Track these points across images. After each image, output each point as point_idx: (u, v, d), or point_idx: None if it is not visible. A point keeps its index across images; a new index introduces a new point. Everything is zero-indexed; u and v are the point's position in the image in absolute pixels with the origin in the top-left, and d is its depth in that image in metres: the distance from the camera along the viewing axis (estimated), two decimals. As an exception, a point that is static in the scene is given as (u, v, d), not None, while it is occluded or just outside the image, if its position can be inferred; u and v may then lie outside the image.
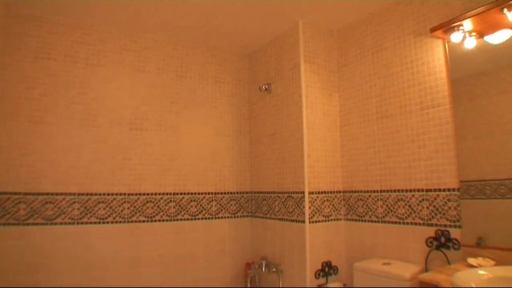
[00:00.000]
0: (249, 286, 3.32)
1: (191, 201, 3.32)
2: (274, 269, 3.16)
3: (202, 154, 3.42)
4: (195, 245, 3.30)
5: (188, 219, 3.29)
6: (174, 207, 3.24)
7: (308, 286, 2.84)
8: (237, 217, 3.54)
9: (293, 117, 3.05)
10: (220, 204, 3.46)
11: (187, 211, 3.29)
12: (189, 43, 3.50)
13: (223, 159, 3.52)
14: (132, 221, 3.06)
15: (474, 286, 1.62)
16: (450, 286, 1.66)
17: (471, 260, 2.03)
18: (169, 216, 3.21)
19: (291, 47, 3.14)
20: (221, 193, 3.48)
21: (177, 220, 3.24)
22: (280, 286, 3.06)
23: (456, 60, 2.30)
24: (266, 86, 3.37)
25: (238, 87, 3.73)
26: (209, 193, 3.41)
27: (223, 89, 3.63)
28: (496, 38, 2.12)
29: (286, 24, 3.13)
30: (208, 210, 3.39)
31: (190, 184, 3.34)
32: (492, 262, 1.99)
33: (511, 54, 2.01)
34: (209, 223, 3.39)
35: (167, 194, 3.22)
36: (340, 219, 3.05)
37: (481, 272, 1.79)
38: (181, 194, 3.28)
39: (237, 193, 3.57)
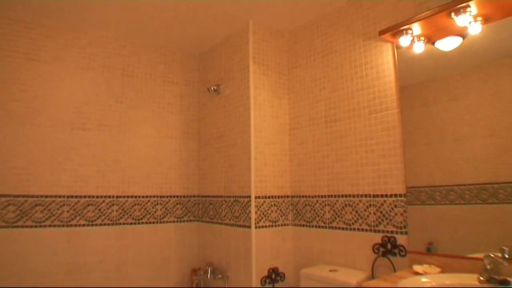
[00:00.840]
0: (194, 293, 3.21)
1: (135, 204, 3.17)
2: (220, 276, 3.06)
3: (147, 156, 3.28)
4: (139, 251, 3.15)
5: (131, 223, 3.14)
6: (116, 210, 3.07)
7: (254, 293, 2.76)
8: (183, 221, 3.41)
9: (241, 119, 2.97)
10: (166, 208, 3.32)
11: (130, 215, 3.14)
12: (137, 41, 3.35)
13: (170, 161, 3.39)
14: (71, 225, 2.88)
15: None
16: None
17: (417, 267, 2.01)
18: (111, 220, 3.04)
19: (241, 48, 3.06)
20: (167, 197, 3.34)
21: (120, 224, 3.08)
22: (226, 293, 2.96)
23: (407, 65, 2.28)
24: (215, 87, 3.27)
25: (187, 87, 3.61)
26: (154, 196, 3.27)
27: (172, 90, 3.50)
28: (446, 44, 2.11)
29: (237, 24, 3.05)
30: (153, 214, 3.24)
31: (134, 187, 3.18)
32: (438, 270, 1.98)
33: (461, 61, 2.02)
34: (154, 228, 3.25)
35: (109, 197, 3.06)
36: (287, 224, 2.98)
37: (424, 280, 1.77)
38: (124, 197, 3.13)
39: (184, 196, 3.44)
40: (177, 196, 3.39)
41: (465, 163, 1.93)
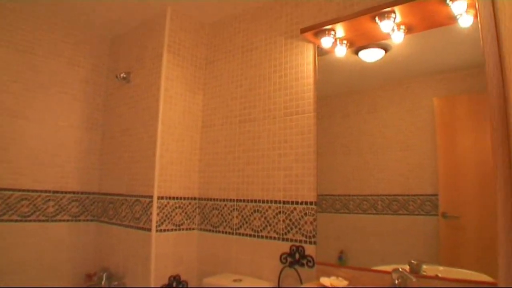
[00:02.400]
0: (86, 301, 2.90)
1: (23, 199, 2.78)
2: (116, 282, 2.77)
3: (42, 145, 2.89)
4: (25, 252, 2.76)
5: (17, 221, 2.75)
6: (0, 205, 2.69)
7: (151, 303, 2.52)
8: (79, 220, 3.06)
9: (149, 111, 2.71)
10: (59, 205, 2.95)
11: (16, 211, 2.74)
12: (42, 15, 2.96)
13: (68, 153, 3.03)
14: None
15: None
16: None
17: (324, 280, 1.94)
18: (-10, 217, 2.65)
19: (156, 35, 2.81)
20: (62, 192, 2.98)
21: (3, 221, 2.69)
22: (121, 302, 2.69)
23: (331, 76, 2.24)
24: (124, 75, 2.98)
25: (95, 73, 3.27)
26: (46, 191, 2.89)
27: (77, 74, 3.14)
28: (369, 56, 2.10)
29: (154, 9, 2.80)
30: (43, 211, 2.87)
31: (23, 179, 2.79)
32: (345, 282, 1.92)
33: (383, 74, 2.03)
34: (44, 227, 2.87)
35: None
36: (193, 229, 2.77)
37: None
38: (10, 190, 2.72)
39: (82, 193, 3.09)
40: (74, 192, 3.04)
41: (380, 174, 1.96)
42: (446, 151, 1.76)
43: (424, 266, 1.69)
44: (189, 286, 2.74)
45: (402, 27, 1.92)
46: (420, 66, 1.90)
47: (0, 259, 2.64)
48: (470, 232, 1.67)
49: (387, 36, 1.96)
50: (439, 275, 1.67)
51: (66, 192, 2.99)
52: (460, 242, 1.70)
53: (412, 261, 1.62)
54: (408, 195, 1.83)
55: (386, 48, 2.03)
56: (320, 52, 2.26)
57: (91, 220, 3.13)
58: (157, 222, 2.54)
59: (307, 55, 2.32)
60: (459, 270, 1.64)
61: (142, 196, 2.65)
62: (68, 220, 3.00)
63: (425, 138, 1.81)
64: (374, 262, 1.90)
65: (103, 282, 2.81)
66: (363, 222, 2.00)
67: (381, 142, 1.96)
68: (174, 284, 2.65)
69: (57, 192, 2.95)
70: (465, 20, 1.71)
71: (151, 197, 2.56)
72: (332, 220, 2.11)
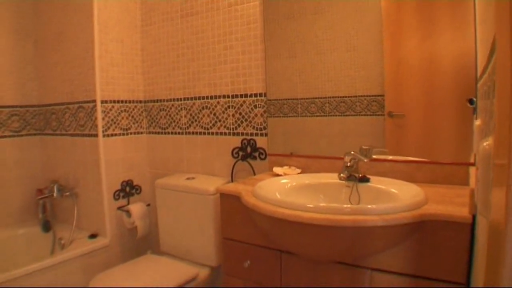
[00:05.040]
0: (40, 215, 2.84)
1: (-45, 117, 2.61)
2: (68, 193, 2.72)
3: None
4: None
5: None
6: None
7: (106, 209, 2.50)
8: (22, 135, 2.92)
9: (83, 11, 2.49)
10: (-2, 121, 2.79)
11: (-49, 130, 2.58)
12: None
13: (0, 65, 2.81)
14: None
15: (275, 196, 1.48)
16: (251, 196, 1.52)
17: (277, 169, 1.96)
18: None
19: None
20: (-1, 107, 2.80)
21: None
22: (75, 211, 2.65)
23: None
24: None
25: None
26: (-19, 107, 2.72)
27: (-3, -23, 2.83)
28: None
29: None
30: (-19, 128, 2.71)
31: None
32: (298, 171, 1.95)
33: None
34: (-16, 145, 2.74)
35: None
36: (141, 133, 2.71)
37: (284, 181, 1.69)
38: None
39: (21, 106, 2.90)
40: (12, 106, 2.86)
41: (326, 76, 1.93)
42: (392, 51, 1.74)
43: (374, 153, 1.73)
44: (142, 190, 2.73)
45: None
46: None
47: None
48: (414, 129, 1.70)
49: None
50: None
51: (3, 107, 2.81)
52: (404, 139, 1.74)
53: (363, 147, 1.64)
54: (355, 96, 1.82)
55: None
56: None
57: (35, 134, 2.99)
58: (103, 127, 2.45)
59: None
60: (405, 158, 1.71)
61: (84, 102, 2.53)
62: (10, 136, 2.85)
63: (372, 38, 1.77)
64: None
65: (54, 194, 2.75)
66: (311, 125, 1.99)
67: (327, 43, 1.90)
68: (127, 189, 2.63)
69: (-8, 107, 2.77)
70: None
71: (94, 101, 2.44)
72: (280, 124, 2.10)
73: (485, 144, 0.55)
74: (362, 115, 1.82)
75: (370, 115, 1.79)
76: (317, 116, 1.97)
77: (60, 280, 2.26)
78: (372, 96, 1.78)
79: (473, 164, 1.50)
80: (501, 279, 0.50)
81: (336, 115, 1.90)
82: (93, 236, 2.56)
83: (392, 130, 1.77)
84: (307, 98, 1.99)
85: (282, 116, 2.08)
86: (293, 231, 1.30)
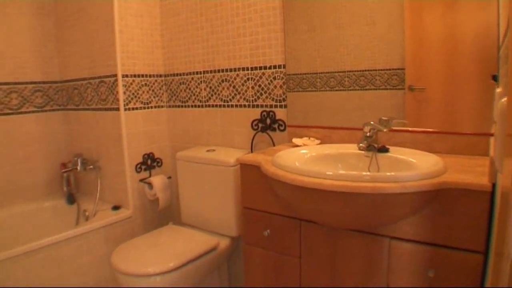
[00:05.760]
0: (65, 188, 2.92)
1: (-16, 94, 2.68)
2: (91, 166, 2.79)
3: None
4: (-5, 147, 2.73)
5: (-20, 116, 2.67)
6: (-41, 100, 2.57)
7: (128, 181, 2.57)
8: (46, 111, 2.99)
9: (103, -14, 2.51)
10: (22, 97, 2.84)
11: (-22, 107, 2.65)
12: None
13: (21, 42, 2.84)
14: None
15: (294, 165, 1.51)
16: (271, 165, 1.53)
17: (296, 140, 1.97)
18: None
19: None
20: (23, 83, 2.86)
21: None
22: (99, 184, 2.72)
23: None
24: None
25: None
26: (6, 83, 2.77)
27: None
28: None
29: None
30: (7, 105, 2.77)
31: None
32: (317, 142, 1.96)
33: None
34: (11, 120, 2.80)
35: None
36: (162, 106, 2.75)
37: (303, 151, 1.70)
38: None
39: (44, 82, 2.96)
40: (35, 83, 2.92)
41: (346, 51, 1.90)
42: (413, 24, 1.70)
43: (394, 124, 1.72)
44: (163, 163, 2.78)
45: None
46: None
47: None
48: (435, 102, 1.68)
49: None
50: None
51: (27, 83, 2.87)
52: (425, 112, 1.72)
53: (383, 118, 1.63)
54: (375, 70, 1.80)
55: None
56: None
57: (58, 110, 3.06)
58: (124, 100, 2.49)
59: None
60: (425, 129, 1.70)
61: (106, 77, 2.57)
62: (34, 112, 2.92)
63: (392, 11, 1.74)
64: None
65: (78, 168, 2.83)
66: (331, 99, 1.98)
67: (347, 17, 1.87)
68: (149, 162, 2.68)
69: (18, 83, 2.82)
70: None
71: (115, 75, 2.47)
72: (299, 99, 2.09)
73: (502, 100, 0.56)
74: (382, 89, 1.80)
75: (390, 89, 1.77)
76: (336, 90, 1.95)
77: (85, 249, 2.35)
78: (393, 69, 1.76)
79: (493, 135, 1.49)
80: (507, 243, 0.52)
81: (355, 89, 1.89)
82: (116, 207, 2.63)
83: (413, 104, 1.75)
84: (326, 72, 1.98)
85: (302, 91, 2.07)
86: (312, 198, 1.32)
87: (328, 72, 1.97)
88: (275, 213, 1.66)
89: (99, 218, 2.48)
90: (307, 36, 2.02)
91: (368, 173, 1.25)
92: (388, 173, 1.21)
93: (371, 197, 1.20)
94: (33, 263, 2.11)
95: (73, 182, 2.97)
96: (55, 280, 2.21)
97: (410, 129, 1.73)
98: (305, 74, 2.05)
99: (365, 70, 1.84)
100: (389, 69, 1.77)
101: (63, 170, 2.86)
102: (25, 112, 2.87)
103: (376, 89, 1.82)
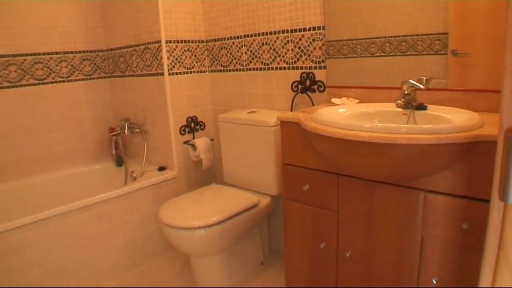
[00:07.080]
0: (114, 152, 3.09)
1: (36, 62, 2.82)
2: (138, 130, 2.94)
3: (39, 7, 2.82)
4: (46, 114, 2.91)
5: (35, 84, 2.83)
6: (15, 71, 2.73)
7: (173, 143, 2.69)
8: (93, 78, 3.15)
9: (145, -46, 2.59)
10: (72, 65, 3.01)
11: (32, 75, 2.81)
12: None
13: (69, 13, 2.97)
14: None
15: (334, 119, 1.55)
16: (311, 121, 1.58)
17: (335, 100, 2.00)
18: (10, 82, 2.72)
19: None
20: (72, 52, 3.01)
21: (22, 86, 2.77)
22: (145, 147, 2.87)
23: None
24: None
25: None
26: (56, 53, 2.93)
27: None
28: None
29: None
30: (58, 73, 2.94)
31: (29, 42, 2.79)
32: (356, 101, 1.98)
33: None
34: (62, 87, 2.97)
35: (3, 56, 2.68)
36: (204, 71, 2.84)
37: (342, 110, 1.74)
38: (22, 55, 2.76)
39: (91, 51, 3.12)
40: (83, 51, 3.07)
41: (387, 15, 1.86)
42: None
43: (433, 83, 1.70)
44: (206, 126, 2.89)
45: None
46: None
47: (22, 121, 2.81)
48: (480, 68, 1.64)
49: None
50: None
51: (76, 52, 3.02)
52: (468, 78, 1.68)
53: (422, 77, 1.62)
54: (417, 35, 1.76)
55: None
56: None
57: (104, 77, 3.21)
58: (168, 65, 2.59)
59: None
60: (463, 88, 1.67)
61: (150, 43, 2.67)
62: (82, 79, 3.08)
63: None
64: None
65: (125, 132, 2.98)
66: (371, 65, 1.96)
67: None
68: (192, 125, 2.79)
69: (67, 52, 2.98)
70: None
71: (159, 41, 2.57)
72: (340, 66, 2.09)
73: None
74: (424, 54, 1.76)
75: (433, 54, 1.73)
76: (377, 56, 1.93)
77: (133, 207, 2.51)
78: (435, 34, 1.71)
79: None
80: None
81: (397, 55, 1.86)
82: (161, 168, 2.78)
83: (456, 70, 1.71)
84: (366, 38, 1.95)
85: (342, 57, 2.07)
86: (351, 151, 1.38)
87: (369, 38, 1.95)
88: (313, 169, 1.73)
89: (146, 178, 2.63)
90: (346, 1, 2.00)
91: (405, 125, 1.29)
92: (425, 126, 1.25)
93: (406, 148, 1.24)
94: (86, 218, 2.30)
95: (121, 145, 3.13)
96: (107, 233, 2.40)
97: (448, 88, 1.71)
98: (345, 40, 2.04)
99: (407, 35, 1.81)
100: (432, 34, 1.73)
101: (111, 134, 3.03)
102: (75, 80, 3.04)
103: (418, 54, 1.79)
